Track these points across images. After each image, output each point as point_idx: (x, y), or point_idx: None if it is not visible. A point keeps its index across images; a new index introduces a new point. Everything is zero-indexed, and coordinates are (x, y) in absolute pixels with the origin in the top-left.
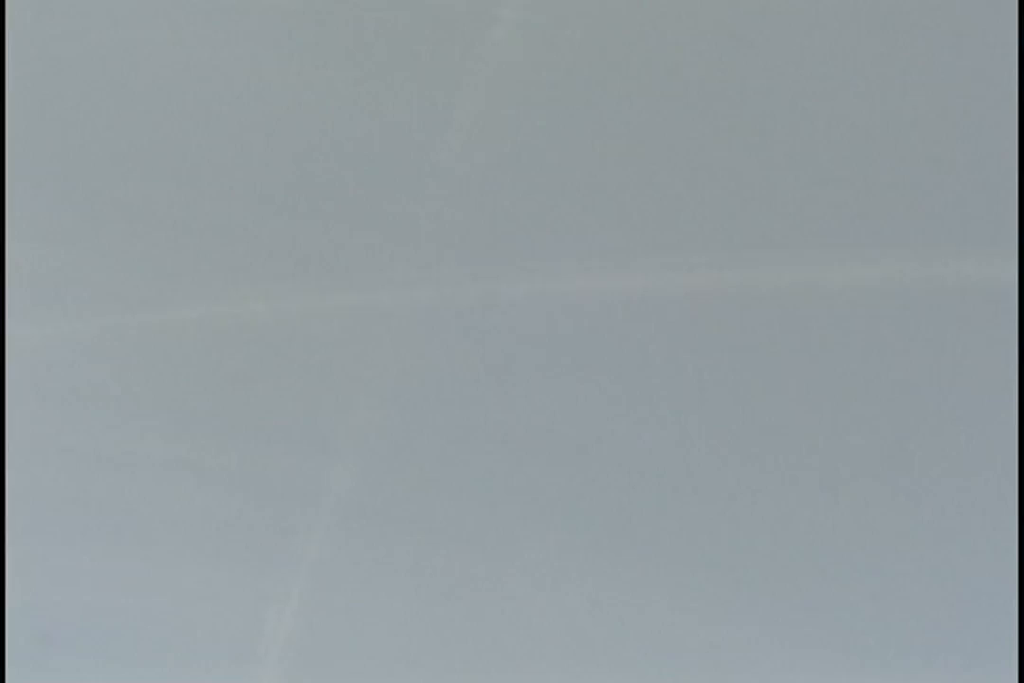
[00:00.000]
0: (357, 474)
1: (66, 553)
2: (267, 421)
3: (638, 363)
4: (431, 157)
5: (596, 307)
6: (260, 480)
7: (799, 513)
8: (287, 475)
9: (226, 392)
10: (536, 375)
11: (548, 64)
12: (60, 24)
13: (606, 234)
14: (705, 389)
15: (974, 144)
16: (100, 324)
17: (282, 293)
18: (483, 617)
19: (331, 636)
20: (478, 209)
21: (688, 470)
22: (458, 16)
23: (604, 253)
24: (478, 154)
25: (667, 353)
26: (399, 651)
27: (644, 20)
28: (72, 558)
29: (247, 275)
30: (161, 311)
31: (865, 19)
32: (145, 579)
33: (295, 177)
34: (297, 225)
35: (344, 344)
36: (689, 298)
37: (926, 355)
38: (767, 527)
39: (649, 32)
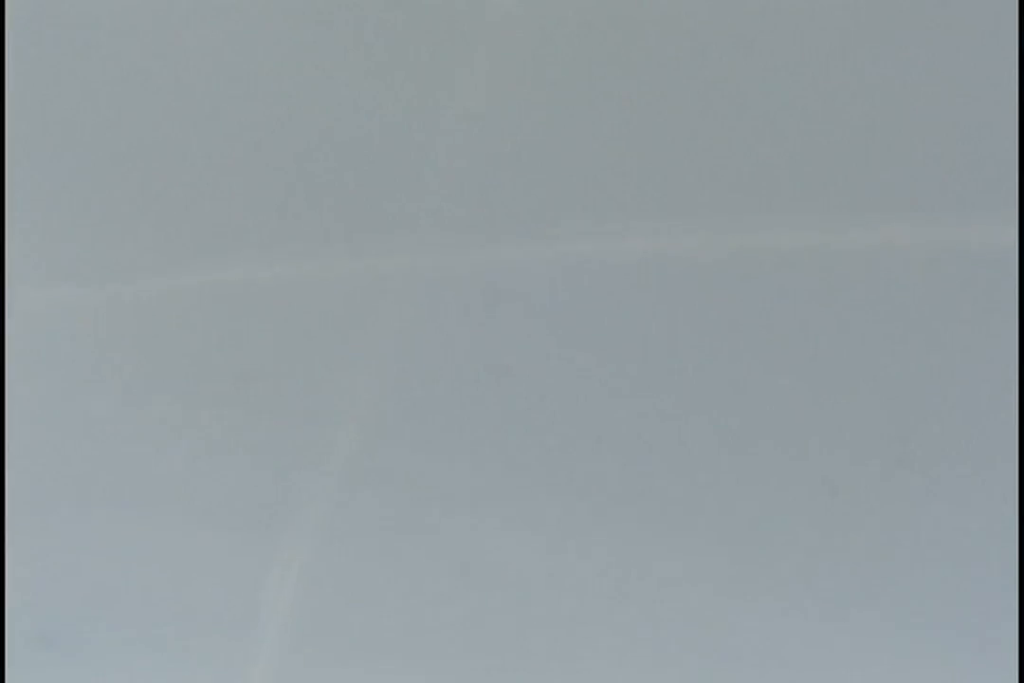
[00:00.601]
0: (359, 439)
1: (64, 520)
2: (269, 386)
3: (639, 328)
4: (433, 126)
5: (597, 272)
6: (261, 445)
7: (801, 480)
8: (289, 440)
9: (227, 358)
10: (537, 339)
11: (545, 26)
12: (62, 15)
13: (610, 199)
14: (704, 353)
15: (974, 107)
16: (99, 291)
17: (283, 259)
18: (486, 581)
19: (332, 603)
20: (480, 176)
21: (688, 436)
22: None
23: (607, 219)
24: (481, 122)
25: (667, 318)
26: (401, 615)
27: None
28: (70, 525)
29: (248, 242)
30: (161, 279)
31: None
32: (143, 545)
33: (295, 143)
34: (298, 191)
35: (346, 310)
36: (687, 263)
37: (925, 319)
38: (767, 493)
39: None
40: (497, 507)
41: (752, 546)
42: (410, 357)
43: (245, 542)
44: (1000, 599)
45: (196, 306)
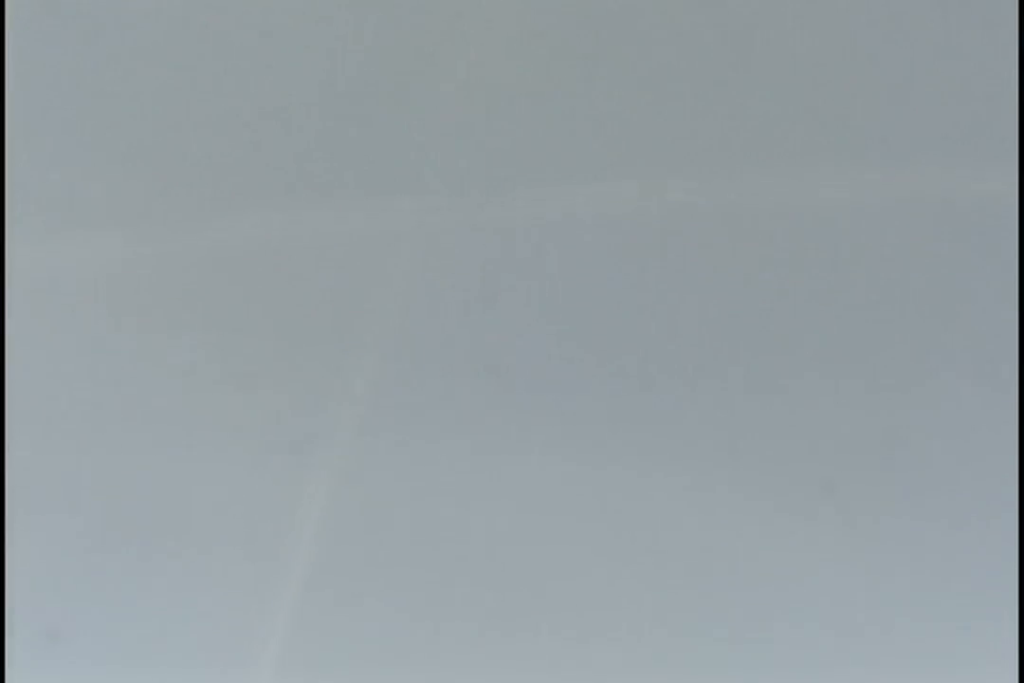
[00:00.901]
0: (375, 375)
1: (92, 453)
2: (288, 330)
3: (638, 275)
4: (435, 84)
5: (597, 224)
6: (284, 381)
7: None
8: (309, 377)
9: (246, 305)
10: (541, 283)
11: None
12: None
13: (606, 155)
14: (700, 294)
15: (973, 52)
16: (134, 240)
17: (293, 214)
18: (503, 499)
19: (356, 522)
20: (482, 132)
21: (687, 369)
22: None
23: (602, 175)
24: (482, 80)
25: (663, 269)
26: (416, 527)
27: None
28: (97, 458)
29: (258, 199)
30: (180, 233)
31: None
32: (177, 472)
33: (303, 100)
34: (308, 149)
35: (361, 259)
36: (682, 216)
37: (923, 270)
38: (769, 422)
39: None
40: (506, 431)
41: (750, 463)
42: (422, 298)
43: (275, 466)
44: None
45: (220, 257)
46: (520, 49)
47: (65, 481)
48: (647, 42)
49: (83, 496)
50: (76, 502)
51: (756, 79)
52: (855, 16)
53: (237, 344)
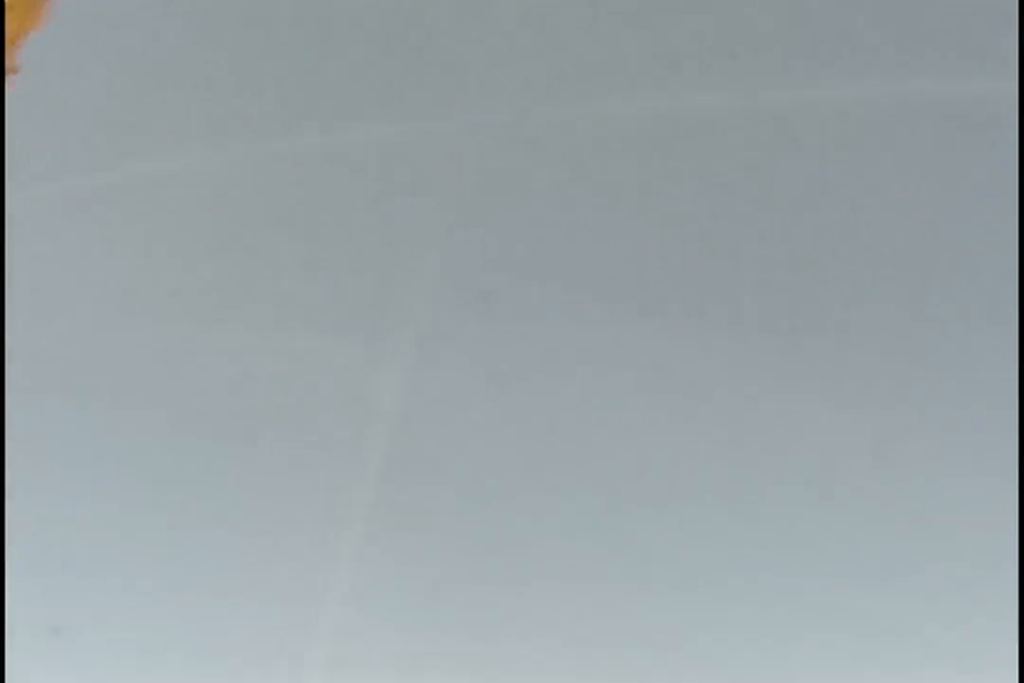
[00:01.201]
0: (442, 264)
1: (196, 330)
2: (357, 230)
3: (655, 179)
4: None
5: (622, 125)
6: (360, 269)
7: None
8: (383, 265)
9: (324, 210)
10: (566, 182)
11: None
12: None
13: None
14: (705, 204)
15: None
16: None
17: (356, 123)
18: (547, 380)
19: (427, 399)
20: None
21: (692, 275)
22: None
23: (625, 84)
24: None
25: (678, 170)
26: (470, 398)
27: None
28: (199, 334)
29: (305, 112)
30: (254, 141)
31: None
32: (268, 349)
33: (352, 15)
34: (357, 63)
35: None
36: (695, 121)
37: (926, 171)
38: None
39: None
40: (555, 315)
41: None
42: (473, 195)
43: (352, 345)
44: None
45: (288, 168)
46: None
47: (149, 373)
48: None
49: (162, 386)
50: (155, 393)
51: None
52: None
53: (317, 243)
